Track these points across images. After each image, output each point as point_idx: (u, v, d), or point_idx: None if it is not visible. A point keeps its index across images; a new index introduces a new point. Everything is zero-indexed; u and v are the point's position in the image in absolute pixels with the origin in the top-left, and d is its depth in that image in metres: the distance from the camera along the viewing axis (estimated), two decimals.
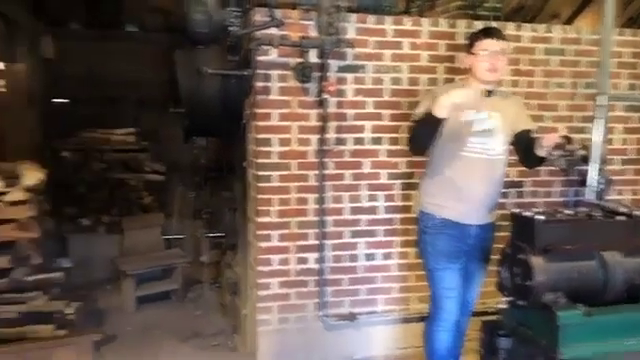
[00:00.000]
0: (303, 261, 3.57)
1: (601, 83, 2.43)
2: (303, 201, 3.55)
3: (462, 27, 3.71)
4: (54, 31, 6.72)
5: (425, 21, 3.71)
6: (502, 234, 2.86)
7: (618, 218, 2.40)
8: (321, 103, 3.46)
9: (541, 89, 3.88)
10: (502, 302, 2.48)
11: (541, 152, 2.55)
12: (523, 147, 2.79)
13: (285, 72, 3.44)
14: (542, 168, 3.83)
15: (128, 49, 7.18)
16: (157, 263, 5.19)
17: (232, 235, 4.42)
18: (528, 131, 2.79)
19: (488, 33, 2.82)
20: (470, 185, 2.80)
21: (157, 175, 6.22)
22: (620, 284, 2.31)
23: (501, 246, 2.56)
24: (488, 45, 2.77)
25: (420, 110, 2.79)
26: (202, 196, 5.47)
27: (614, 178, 3.92)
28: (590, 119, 2.92)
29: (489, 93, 2.84)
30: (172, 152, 6.34)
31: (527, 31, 3.87)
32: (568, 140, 2.45)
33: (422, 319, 3.60)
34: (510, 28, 3.82)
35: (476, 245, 2.86)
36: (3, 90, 5.57)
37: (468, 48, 2.85)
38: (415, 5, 4.56)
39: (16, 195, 3.57)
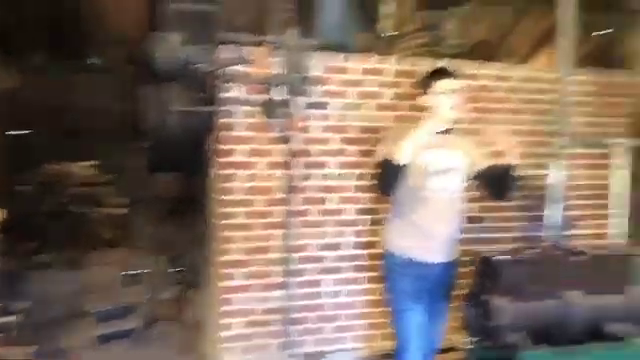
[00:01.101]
0: (267, 300, 3.51)
1: (561, 125, 2.49)
2: (268, 238, 3.51)
3: (425, 65, 3.77)
4: (16, 61, 6.61)
5: (389, 60, 3.77)
6: (463, 270, 2.88)
7: (579, 257, 2.43)
8: (286, 139, 3.46)
9: (502, 126, 3.96)
10: (467, 341, 2.47)
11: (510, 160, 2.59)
12: (489, 182, 2.84)
13: (251, 109, 3.44)
14: (504, 204, 3.92)
15: (92, 81, 7.09)
16: (118, 300, 5.04)
17: (195, 272, 4.33)
18: (493, 166, 2.85)
19: (446, 72, 2.88)
20: (432, 224, 2.82)
21: (120, 209, 6.10)
22: (582, 323, 2.34)
23: (463, 281, 2.58)
24: (448, 84, 2.82)
25: (382, 150, 2.81)
26: (166, 231, 5.37)
27: (574, 214, 4.01)
28: (550, 156, 2.99)
29: (447, 131, 2.88)
30: (136, 186, 6.23)
31: (488, 69, 3.96)
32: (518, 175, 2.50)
33: (388, 356, 3.59)
34: (472, 67, 3.91)
35: (439, 283, 2.87)
36: None
37: (425, 88, 2.89)
38: (381, 43, 4.63)
39: None
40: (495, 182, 2.75)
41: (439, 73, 2.90)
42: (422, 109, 2.99)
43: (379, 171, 2.77)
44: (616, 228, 2.76)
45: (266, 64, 3.42)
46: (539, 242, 2.60)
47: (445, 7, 5.53)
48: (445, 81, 2.83)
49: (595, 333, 2.37)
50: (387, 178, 2.71)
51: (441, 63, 3.85)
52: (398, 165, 2.61)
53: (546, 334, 2.32)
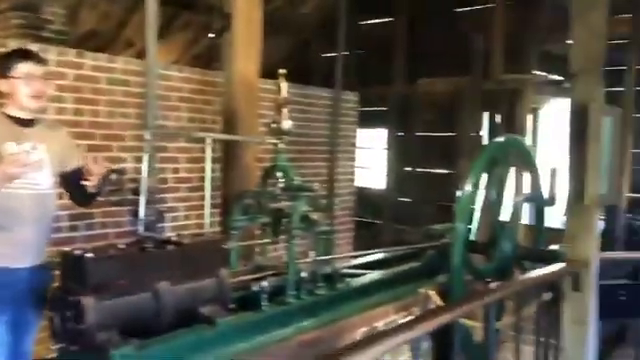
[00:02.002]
0: None
1: (147, 118, 2.51)
2: None
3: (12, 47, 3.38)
4: None
5: None
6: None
7: (168, 248, 2.50)
8: None
9: (107, 119, 3.86)
10: (54, 349, 2.29)
11: (90, 188, 2.48)
12: (74, 185, 2.67)
13: None
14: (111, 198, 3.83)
15: None
16: None
17: None
18: (79, 169, 2.67)
19: (28, 55, 2.60)
20: (20, 224, 2.52)
21: None
22: (172, 312, 2.40)
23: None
24: (29, 69, 2.54)
25: None
26: None
27: (183, 205, 4.19)
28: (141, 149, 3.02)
29: (32, 122, 2.62)
30: None
31: (89, 59, 3.79)
32: (115, 171, 2.45)
33: None
34: (72, 55, 3.68)
35: (28, 290, 2.59)
36: None
37: (4, 71, 2.56)
38: None
39: None
40: (78, 186, 2.59)
41: (19, 55, 2.59)
42: (4, 96, 2.65)
43: None
44: (211, 219, 2.94)
45: None
46: (134, 237, 2.58)
47: None
48: (26, 64, 2.54)
49: (183, 320, 2.48)
50: None
51: (36, 47, 3.53)
52: None
53: (138, 329, 2.30)
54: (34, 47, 3.47)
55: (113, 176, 2.42)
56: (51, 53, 3.56)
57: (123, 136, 3.94)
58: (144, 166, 2.50)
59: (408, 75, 8.11)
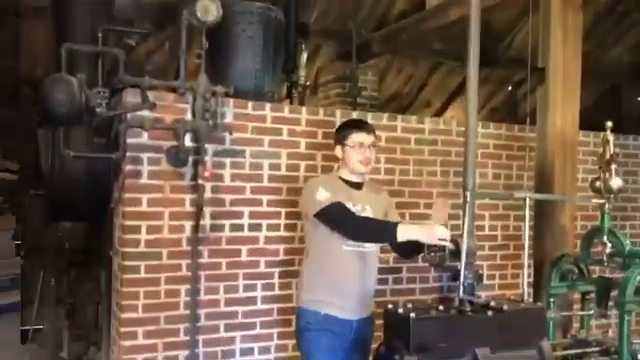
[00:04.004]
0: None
1: (467, 179, 2.50)
2: (174, 293, 3.29)
3: (339, 116, 3.78)
4: None
5: (303, 109, 3.74)
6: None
7: (488, 313, 2.41)
8: (196, 188, 3.30)
9: (415, 177, 4.01)
10: None
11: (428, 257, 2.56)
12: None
13: (157, 155, 3.27)
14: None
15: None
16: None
17: (95, 330, 4.00)
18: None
19: (360, 126, 2.87)
20: (347, 279, 2.74)
21: (9, 174, 5.67)
22: None
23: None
24: (360, 138, 2.80)
25: (325, 196, 2.70)
26: (65, 284, 4.98)
27: (483, 264, 4.08)
28: (460, 207, 3.02)
29: (361, 185, 2.85)
30: (33, 235, 5.78)
31: (400, 122, 4.00)
32: (452, 242, 2.49)
33: None
34: (385, 118, 3.95)
35: (356, 340, 2.78)
36: None
37: (340, 139, 2.87)
38: (296, 92, 4.62)
39: None
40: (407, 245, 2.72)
41: (351, 126, 2.89)
42: (336, 159, 2.97)
43: (371, 228, 2.72)
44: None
45: (174, 109, 3.29)
46: (452, 296, 2.58)
47: (363, 59, 5.64)
48: (358, 134, 2.81)
49: None
50: (374, 238, 2.74)
51: (355, 114, 3.89)
52: (394, 238, 2.57)
53: None
54: (357, 115, 3.84)
55: (451, 245, 2.45)
56: (367, 118, 3.87)
57: (430, 193, 4.03)
58: (464, 227, 2.48)
59: None
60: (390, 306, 2.43)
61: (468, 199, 2.45)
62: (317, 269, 2.80)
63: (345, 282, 2.74)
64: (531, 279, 3.68)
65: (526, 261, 2.67)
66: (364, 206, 2.80)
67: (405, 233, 2.54)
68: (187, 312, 3.30)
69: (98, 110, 3.04)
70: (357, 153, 2.79)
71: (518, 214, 4.25)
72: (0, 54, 6.00)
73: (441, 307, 2.42)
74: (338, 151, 2.87)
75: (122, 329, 3.20)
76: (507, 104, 7.55)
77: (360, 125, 2.90)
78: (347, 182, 2.85)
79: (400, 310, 2.33)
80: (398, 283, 3.94)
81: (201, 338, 3.34)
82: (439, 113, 7.56)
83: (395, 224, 2.59)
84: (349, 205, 2.73)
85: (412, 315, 2.24)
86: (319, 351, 2.75)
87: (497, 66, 6.17)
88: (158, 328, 3.25)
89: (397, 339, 2.28)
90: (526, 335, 2.50)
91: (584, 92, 3.89)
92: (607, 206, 2.83)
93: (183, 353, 3.28)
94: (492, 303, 2.48)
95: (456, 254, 2.44)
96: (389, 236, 2.61)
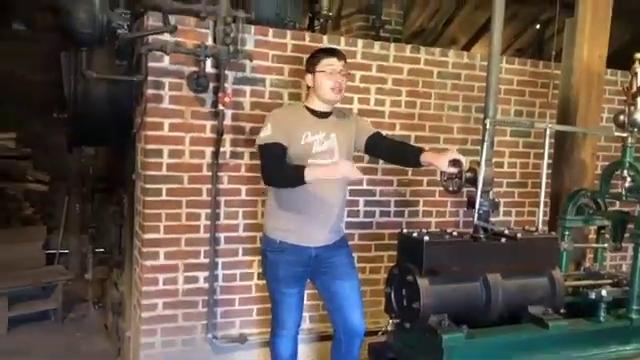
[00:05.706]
0: (192, 280, 3.39)
1: (488, 108, 2.48)
2: (194, 217, 3.38)
3: (360, 46, 3.73)
4: None
5: (324, 38, 3.69)
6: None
7: (501, 240, 2.44)
8: (216, 114, 3.32)
9: (436, 111, 3.97)
10: (390, 324, 2.45)
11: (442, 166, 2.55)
12: (385, 149, 2.88)
13: (178, 80, 3.28)
14: (434, 188, 3.95)
15: (15, 48, 6.65)
16: (34, 280, 4.77)
17: (118, 252, 4.14)
18: (376, 133, 2.90)
19: (331, 52, 2.83)
20: (306, 206, 2.76)
21: (40, 185, 5.76)
22: (500, 306, 2.35)
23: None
24: (331, 62, 2.76)
25: (267, 134, 2.73)
26: (89, 209, 5.12)
27: (504, 200, 4.09)
28: (479, 141, 3.01)
29: (328, 114, 2.84)
30: (58, 160, 5.89)
31: (423, 54, 3.94)
32: (457, 162, 2.48)
33: (322, 338, 3.54)
34: (408, 50, 3.89)
35: (322, 267, 2.83)
36: None
37: (310, 66, 2.82)
38: (318, 23, 4.54)
39: None
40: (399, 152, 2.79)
41: (323, 51, 2.85)
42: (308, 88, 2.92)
43: (279, 172, 2.72)
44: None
45: (196, 34, 3.27)
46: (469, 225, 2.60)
47: None
48: (330, 60, 2.77)
49: (512, 315, 2.40)
50: (284, 182, 2.72)
51: (377, 45, 3.83)
52: (301, 180, 2.59)
53: (466, 316, 2.32)
54: (375, 45, 3.79)
55: (469, 174, 2.45)
56: (389, 49, 3.81)
57: (451, 128, 4.01)
58: (482, 155, 2.48)
59: None
60: (405, 230, 2.47)
61: (487, 127, 2.44)
62: (278, 197, 2.82)
63: (304, 209, 2.75)
64: (547, 217, 3.69)
65: (543, 192, 2.66)
66: (329, 134, 2.78)
67: (312, 175, 2.57)
68: (207, 235, 3.39)
69: (120, 32, 3.04)
70: (328, 79, 2.74)
71: (537, 152, 4.22)
72: None
73: (455, 233, 2.45)
74: (308, 79, 2.82)
75: (144, 249, 3.31)
76: (533, 45, 7.34)
77: (331, 50, 2.86)
78: (313, 111, 2.81)
79: (414, 234, 2.37)
80: (414, 216, 3.99)
81: (220, 261, 3.45)
82: (465, 51, 7.39)
83: (302, 168, 2.59)
84: (308, 134, 2.73)
85: (426, 238, 2.28)
86: (275, 278, 2.84)
87: (526, 2, 5.96)
88: (179, 250, 3.36)
89: (410, 262, 2.33)
90: (538, 263, 2.54)
91: (615, 30, 3.76)
92: (630, 140, 2.79)
93: (203, 274, 3.40)
94: (506, 231, 2.51)
95: (473, 181, 2.45)
96: (298, 181, 2.61)
